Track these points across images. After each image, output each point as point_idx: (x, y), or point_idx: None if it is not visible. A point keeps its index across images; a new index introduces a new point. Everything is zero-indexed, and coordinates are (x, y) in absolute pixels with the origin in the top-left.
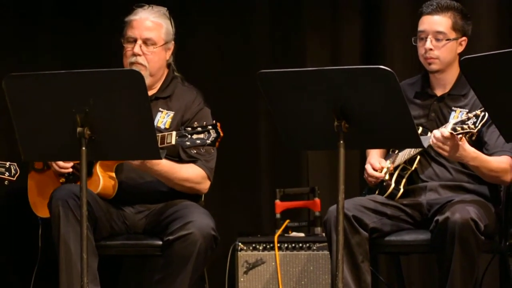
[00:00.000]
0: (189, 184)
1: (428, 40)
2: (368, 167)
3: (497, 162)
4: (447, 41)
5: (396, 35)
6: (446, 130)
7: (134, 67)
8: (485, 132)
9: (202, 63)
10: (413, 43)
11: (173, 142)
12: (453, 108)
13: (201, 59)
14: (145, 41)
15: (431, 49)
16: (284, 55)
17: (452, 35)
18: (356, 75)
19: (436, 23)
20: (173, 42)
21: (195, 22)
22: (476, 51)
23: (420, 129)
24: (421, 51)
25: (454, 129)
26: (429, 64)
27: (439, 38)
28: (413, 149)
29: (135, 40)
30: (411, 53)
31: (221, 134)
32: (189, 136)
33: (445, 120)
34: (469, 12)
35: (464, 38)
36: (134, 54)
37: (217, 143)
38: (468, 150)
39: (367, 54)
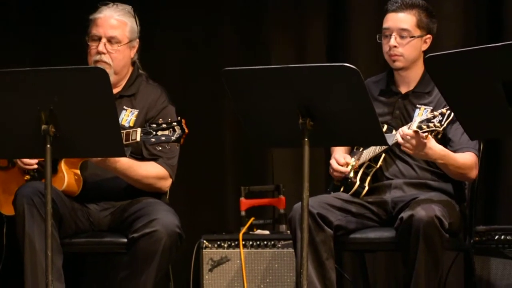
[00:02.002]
0: (149, 182)
1: (393, 37)
2: (333, 162)
3: (463, 159)
4: (412, 39)
5: (361, 33)
6: (410, 129)
7: (99, 65)
8: (450, 129)
9: (167, 61)
10: (378, 41)
11: (138, 138)
12: (417, 105)
13: (166, 57)
14: (110, 39)
15: (395, 46)
16: (249, 53)
17: (417, 32)
18: (321, 73)
19: (401, 20)
20: (137, 40)
21: (160, 20)
22: (441, 49)
23: (385, 127)
24: (385, 48)
25: (419, 127)
26: (393, 61)
27: (404, 35)
28: (378, 147)
29: (99, 38)
30: (376, 51)
31: (186, 131)
32: (154, 132)
33: (409, 118)
34: (434, 10)
35: (429, 36)
36: (99, 52)
37: (182, 140)
38: (435, 148)
39: (332, 52)
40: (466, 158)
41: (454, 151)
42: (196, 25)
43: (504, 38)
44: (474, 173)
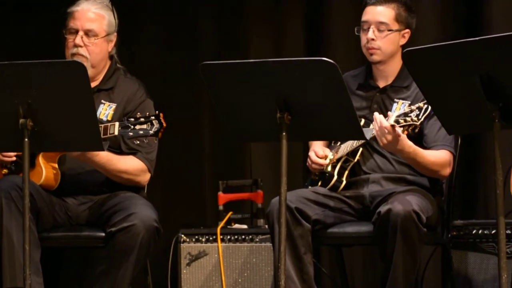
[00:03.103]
0: (128, 176)
1: (371, 30)
2: (312, 154)
3: (435, 156)
4: (390, 32)
5: (339, 28)
6: (388, 121)
7: (76, 58)
8: (426, 125)
9: (145, 55)
10: (356, 33)
11: (116, 132)
12: (395, 99)
13: (144, 51)
14: (87, 32)
15: (373, 39)
16: (227, 47)
17: (395, 26)
18: (299, 67)
19: (379, 13)
20: (115, 34)
21: (138, 14)
22: (419, 44)
23: (363, 121)
24: (363, 41)
25: (397, 121)
26: (371, 54)
27: (381, 29)
28: (355, 141)
29: (76, 31)
30: (355, 45)
31: (164, 125)
32: (132, 126)
33: (387, 112)
34: (413, 5)
35: (407, 30)
36: (76, 45)
37: (160, 134)
38: (404, 144)
39: (310, 46)
40: (437, 156)
41: (429, 147)
42: (174, 19)
43: (482, 32)
44: (447, 171)
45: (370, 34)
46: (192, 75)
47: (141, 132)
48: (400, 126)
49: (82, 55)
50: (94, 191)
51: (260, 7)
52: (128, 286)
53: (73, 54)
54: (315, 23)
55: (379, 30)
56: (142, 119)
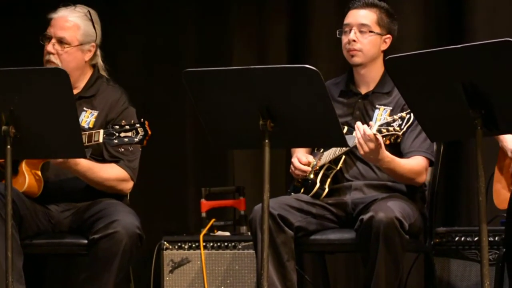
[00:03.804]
0: (110, 184)
1: (352, 32)
2: (295, 160)
3: (411, 165)
4: (371, 34)
5: (322, 35)
6: (371, 131)
7: (48, 66)
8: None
9: (128, 62)
10: (338, 36)
11: (101, 140)
12: (377, 105)
13: (126, 59)
14: (60, 40)
15: (354, 41)
16: (210, 55)
17: (377, 29)
18: (282, 74)
19: (361, 16)
20: (93, 44)
21: (120, 21)
22: (402, 51)
23: (346, 129)
24: (344, 43)
25: (379, 130)
26: (352, 56)
27: (363, 31)
28: (338, 149)
29: (50, 38)
30: (338, 53)
31: (149, 133)
32: (117, 134)
33: (369, 118)
34: (395, 13)
35: (388, 36)
36: (48, 52)
37: (145, 141)
38: (384, 154)
39: (293, 54)
40: (413, 164)
41: (405, 154)
42: (157, 26)
43: (465, 39)
44: (422, 178)
45: (352, 36)
46: (175, 83)
47: (126, 139)
48: (383, 136)
49: (53, 62)
50: (77, 198)
51: (243, 14)
52: None
53: (47, 61)
54: (298, 30)
55: (360, 32)
56: (127, 127)
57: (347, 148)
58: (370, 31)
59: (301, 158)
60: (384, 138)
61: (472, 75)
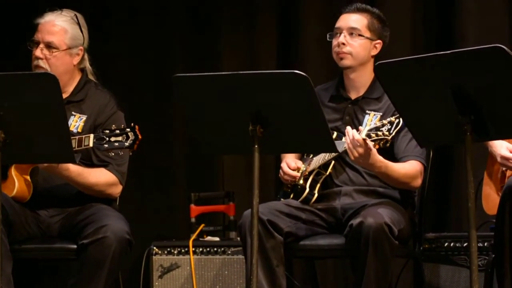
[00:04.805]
0: (99, 189)
1: (342, 35)
2: (284, 165)
3: (405, 169)
4: (360, 37)
5: (312, 40)
6: (360, 135)
7: (37, 70)
8: (396, 137)
9: (117, 67)
10: (328, 39)
11: (91, 144)
12: (367, 111)
13: (115, 64)
14: (47, 45)
15: (343, 44)
16: (199, 59)
17: (367, 33)
18: (271, 80)
19: (352, 20)
20: (81, 47)
21: (109, 26)
22: (391, 57)
23: (335, 134)
24: (334, 46)
25: (368, 135)
26: (341, 59)
27: (353, 33)
28: (328, 154)
29: (38, 43)
30: (328, 58)
31: (140, 137)
32: (107, 138)
33: (359, 123)
34: (387, 21)
35: (379, 41)
36: (36, 57)
37: (135, 146)
38: (376, 159)
39: (283, 59)
40: (408, 168)
41: (399, 159)
42: (146, 31)
43: (454, 45)
44: (417, 182)
45: (341, 38)
46: (164, 88)
47: (116, 144)
48: (372, 140)
49: (42, 67)
50: (66, 203)
51: (233, 19)
52: None
53: (35, 66)
54: (288, 35)
55: (350, 35)
56: (117, 131)
57: (337, 154)
58: (360, 35)
59: (290, 163)
60: (373, 143)
61: (461, 81)
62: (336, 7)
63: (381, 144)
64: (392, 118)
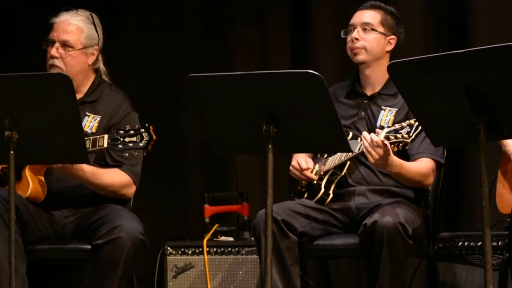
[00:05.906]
0: (113, 189)
1: (356, 30)
2: (294, 163)
3: (418, 167)
4: (374, 32)
5: (326, 40)
6: (379, 137)
7: (52, 70)
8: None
9: (131, 67)
10: (342, 36)
11: (105, 145)
12: (382, 107)
13: (129, 64)
14: (63, 44)
15: (357, 39)
16: (212, 60)
17: (380, 28)
18: (285, 80)
19: (365, 16)
20: (96, 47)
21: (123, 27)
22: (404, 56)
23: (351, 134)
24: (348, 42)
25: (387, 137)
26: (355, 54)
27: (366, 29)
28: (344, 155)
29: (54, 43)
30: (342, 58)
31: (154, 137)
32: (122, 139)
33: (374, 119)
34: (401, 18)
35: (393, 36)
36: (52, 57)
37: (149, 146)
38: (393, 159)
39: (296, 59)
40: (420, 167)
41: (412, 156)
42: (159, 32)
43: (466, 44)
44: (429, 180)
45: (355, 34)
46: (177, 88)
47: (131, 144)
48: (391, 143)
49: (58, 66)
50: (80, 204)
51: (246, 19)
52: None
53: (50, 66)
54: (301, 35)
55: (364, 30)
56: (132, 132)
57: (353, 154)
58: (373, 29)
59: (301, 163)
60: (392, 145)
61: (475, 80)
62: (349, 6)
63: (400, 147)
64: (412, 121)
